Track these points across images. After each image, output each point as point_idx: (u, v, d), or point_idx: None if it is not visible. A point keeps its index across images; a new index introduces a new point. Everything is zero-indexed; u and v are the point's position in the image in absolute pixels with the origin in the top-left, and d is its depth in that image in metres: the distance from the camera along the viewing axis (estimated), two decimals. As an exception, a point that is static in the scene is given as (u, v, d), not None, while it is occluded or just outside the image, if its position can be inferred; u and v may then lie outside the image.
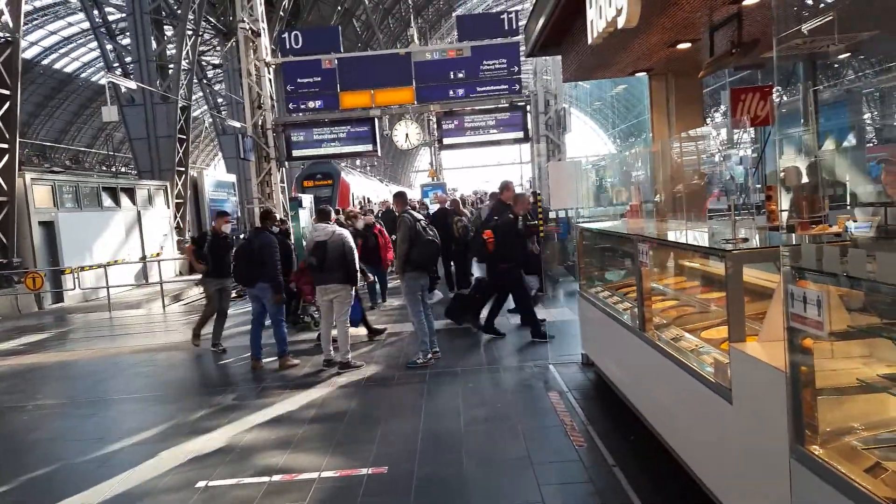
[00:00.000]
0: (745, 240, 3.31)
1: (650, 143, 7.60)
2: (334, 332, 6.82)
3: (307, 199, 17.42)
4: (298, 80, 13.05)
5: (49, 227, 14.06)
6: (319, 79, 13.00)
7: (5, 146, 12.54)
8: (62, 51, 38.66)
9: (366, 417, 5.16)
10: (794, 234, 3.77)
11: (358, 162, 38.10)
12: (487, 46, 12.21)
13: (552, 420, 4.78)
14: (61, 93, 41.44)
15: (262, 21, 13.59)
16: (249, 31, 13.35)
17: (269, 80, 13.90)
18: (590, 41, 4.94)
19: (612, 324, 4.82)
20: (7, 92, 12.46)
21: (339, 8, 27.31)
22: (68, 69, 40.42)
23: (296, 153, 13.76)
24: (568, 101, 13.61)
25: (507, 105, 12.32)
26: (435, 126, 12.80)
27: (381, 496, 3.78)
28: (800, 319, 2.23)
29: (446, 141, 12.83)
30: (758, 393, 2.66)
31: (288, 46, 13.03)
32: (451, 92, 12.39)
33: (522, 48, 11.83)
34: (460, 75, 12.31)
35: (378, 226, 10.08)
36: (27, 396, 6.58)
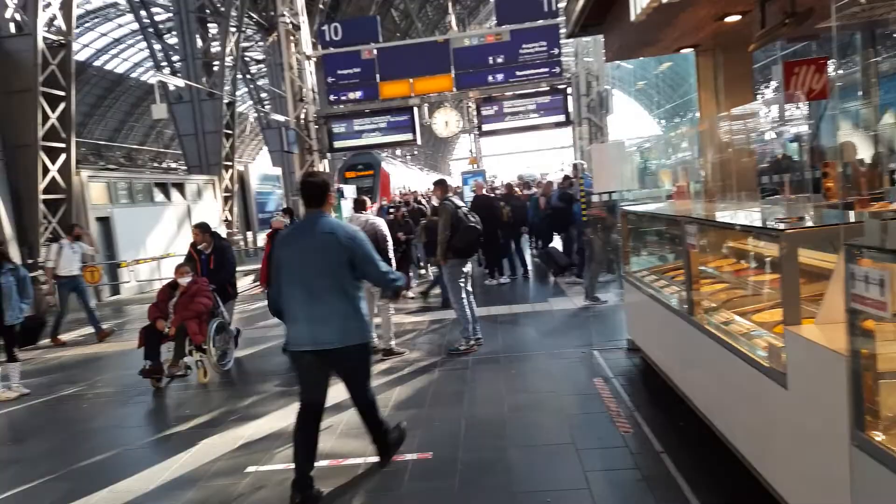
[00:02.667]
0: (801, 219, 3.16)
1: (697, 122, 7.35)
2: (377, 320, 6.87)
3: (349, 190, 17.62)
4: (339, 72, 13.16)
5: (105, 222, 14.62)
6: (359, 70, 13.08)
7: (62, 145, 13.06)
8: (113, 52, 39.98)
9: (409, 403, 5.19)
10: (852, 212, 3.59)
11: (398, 151, 38.29)
12: (527, 30, 12.04)
13: (597, 406, 4.71)
14: (114, 93, 42.93)
15: (303, 14, 13.74)
16: (290, 25, 13.51)
17: (311, 72, 14.06)
18: (633, 18, 4.79)
19: (659, 308, 4.70)
20: (62, 93, 12.95)
21: (378, -2, 27.37)
22: (119, 70, 41.79)
23: (337, 144, 13.91)
24: (610, 82, 13.31)
25: (547, 88, 12.13)
26: (474, 113, 12.73)
27: (427, 481, 3.80)
28: (861, 300, 2.12)
29: (486, 127, 12.74)
30: (815, 377, 2.54)
31: (328, 39, 13.14)
32: (490, 77, 12.28)
33: (562, 30, 11.64)
34: (499, 60, 12.18)
35: None
36: (88, 385, 6.88)
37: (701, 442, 3.86)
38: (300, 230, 3.75)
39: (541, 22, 11.98)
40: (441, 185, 7.42)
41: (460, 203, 6.95)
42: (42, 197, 12.62)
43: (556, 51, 12.06)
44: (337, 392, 5.59)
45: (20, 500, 4.08)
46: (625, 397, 4.83)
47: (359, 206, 6.97)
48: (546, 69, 12.05)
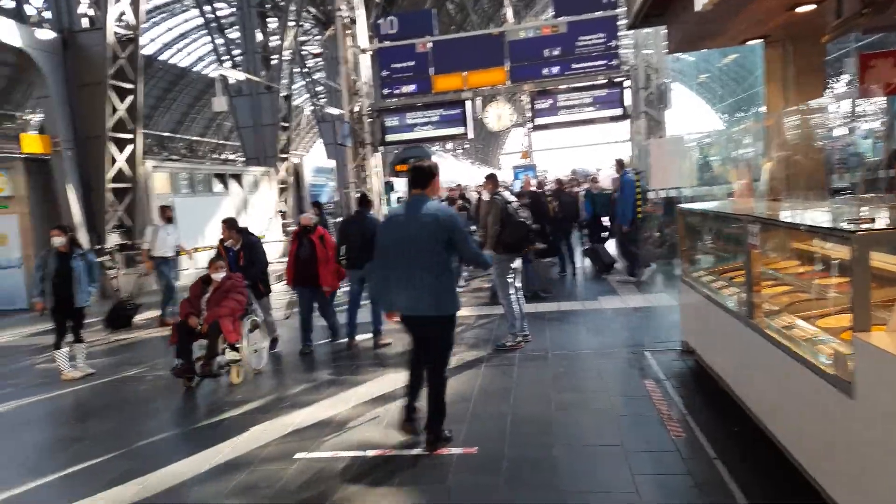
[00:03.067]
0: (872, 220, 2.97)
1: (762, 117, 7.04)
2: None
3: (399, 183, 17.72)
4: (393, 66, 13.23)
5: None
6: (413, 63, 13.11)
7: (129, 136, 13.64)
8: (178, 46, 41.46)
9: (456, 398, 5.16)
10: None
11: (448, 145, 38.33)
12: (584, 21, 11.78)
13: (648, 408, 4.59)
14: (177, 86, 44.53)
15: (359, 8, 13.86)
16: (347, 19, 13.66)
17: (366, 66, 14.19)
18: (698, 7, 4.61)
19: (717, 310, 4.53)
20: (131, 86, 13.51)
21: (433, -9, 27.39)
22: (183, 64, 43.32)
23: (389, 138, 14.00)
24: (670, 75, 12.88)
25: (604, 81, 11.85)
26: (528, 106, 12.57)
27: (472, 475, 3.78)
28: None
29: (539, 121, 12.56)
30: (885, 387, 2.40)
31: (383, 32, 13.23)
32: (545, 70, 12.09)
33: (622, 21, 11.34)
34: (555, 53, 11.97)
35: (321, 229, 7.31)
36: (148, 367, 7.17)
37: (757, 449, 3.71)
38: (406, 210, 4.20)
39: (598, 13, 11.71)
40: (492, 179, 7.38)
41: (511, 198, 6.88)
42: (110, 186, 13.22)
43: (614, 43, 11.75)
44: (384, 384, 5.68)
45: (84, 477, 4.28)
46: (677, 400, 4.69)
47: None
48: (603, 62, 11.77)
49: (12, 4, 22.92)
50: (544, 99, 12.34)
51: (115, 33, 12.92)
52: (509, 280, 6.58)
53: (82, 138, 13.01)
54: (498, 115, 13.08)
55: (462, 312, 8.48)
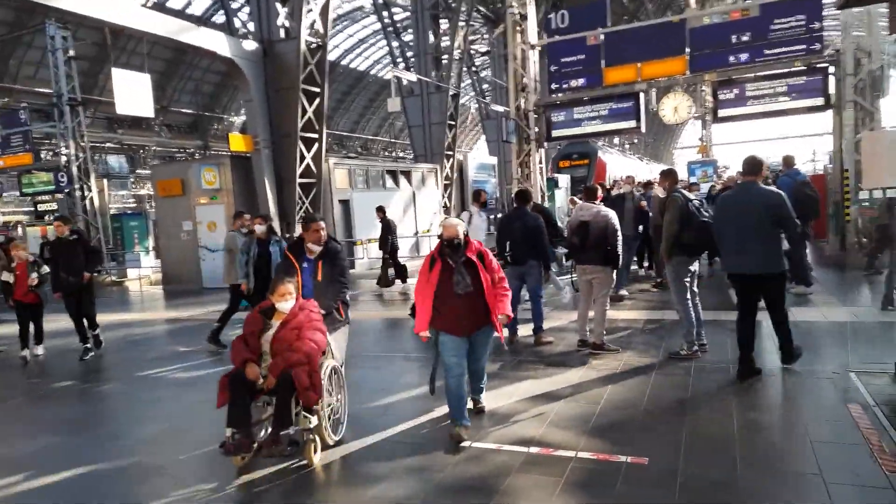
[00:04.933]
0: None
1: None
2: (591, 314, 6.69)
3: (563, 180, 17.43)
4: (562, 60, 13.02)
5: (345, 204, 16.44)
6: (583, 56, 12.80)
7: (315, 136, 14.94)
8: (357, 51, 44.63)
9: (623, 404, 4.95)
10: None
11: (616, 140, 36.95)
12: (781, 3, 10.64)
13: (853, 437, 4.01)
14: (356, 88, 48.00)
15: (530, 4, 13.83)
16: (517, 16, 13.70)
17: (534, 62, 14.13)
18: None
19: (950, 331, 3.83)
20: (318, 90, 14.78)
21: (605, -18, 26.52)
22: (361, 67, 46.56)
23: (555, 133, 13.82)
24: (887, 59, 11.19)
25: (803, 68, 10.61)
26: (709, 97, 11.67)
27: (643, 487, 3.58)
28: None
29: (722, 113, 11.60)
30: None
31: (554, 27, 13.07)
32: (731, 58, 11.12)
33: (827, 1, 10.07)
34: (744, 38, 10.95)
35: (476, 243, 4.66)
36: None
37: None
38: (741, 193, 5.42)
39: (798, -8, 10.51)
40: (669, 175, 6.91)
41: (691, 195, 6.40)
42: (298, 180, 14.59)
43: (816, 25, 10.46)
44: (546, 382, 5.60)
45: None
46: (890, 430, 4.05)
47: (590, 195, 6.74)
48: (802, 46, 10.53)
49: (223, 20, 26.21)
50: (729, 89, 11.36)
51: (307, 41, 14.20)
52: (686, 283, 6.14)
53: (277, 137, 14.51)
54: (675, 106, 12.32)
55: (629, 315, 8.16)
